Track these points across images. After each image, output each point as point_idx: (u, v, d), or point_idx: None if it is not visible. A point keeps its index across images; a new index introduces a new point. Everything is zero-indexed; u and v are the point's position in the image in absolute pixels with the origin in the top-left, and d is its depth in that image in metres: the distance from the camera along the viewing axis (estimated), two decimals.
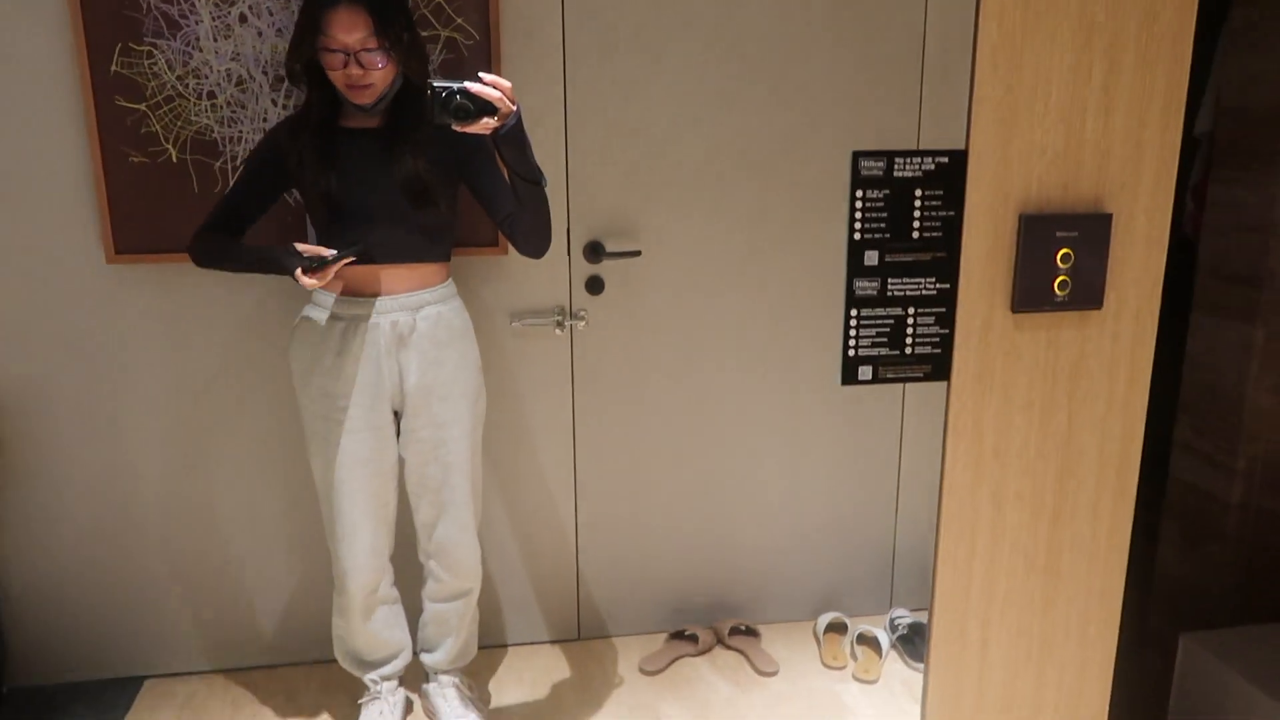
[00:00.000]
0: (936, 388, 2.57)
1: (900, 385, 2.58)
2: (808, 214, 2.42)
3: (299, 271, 1.80)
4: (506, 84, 1.71)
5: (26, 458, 2.27)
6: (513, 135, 1.75)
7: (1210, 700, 1.98)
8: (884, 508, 2.67)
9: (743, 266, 2.44)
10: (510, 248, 2.29)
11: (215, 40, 2.10)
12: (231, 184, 1.99)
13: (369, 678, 2.20)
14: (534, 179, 1.84)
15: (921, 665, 2.48)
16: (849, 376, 1.02)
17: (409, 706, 2.29)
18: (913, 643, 2.54)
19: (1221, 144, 2.45)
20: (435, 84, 1.68)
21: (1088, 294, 1.03)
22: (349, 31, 1.79)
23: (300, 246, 1.84)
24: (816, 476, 2.61)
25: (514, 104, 1.72)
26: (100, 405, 2.27)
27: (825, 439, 2.59)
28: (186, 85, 2.11)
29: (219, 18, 2.09)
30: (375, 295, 1.94)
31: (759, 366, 2.51)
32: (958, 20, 2.37)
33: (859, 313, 1.00)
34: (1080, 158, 1.00)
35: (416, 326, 1.97)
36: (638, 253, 2.37)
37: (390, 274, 1.95)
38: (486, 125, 1.71)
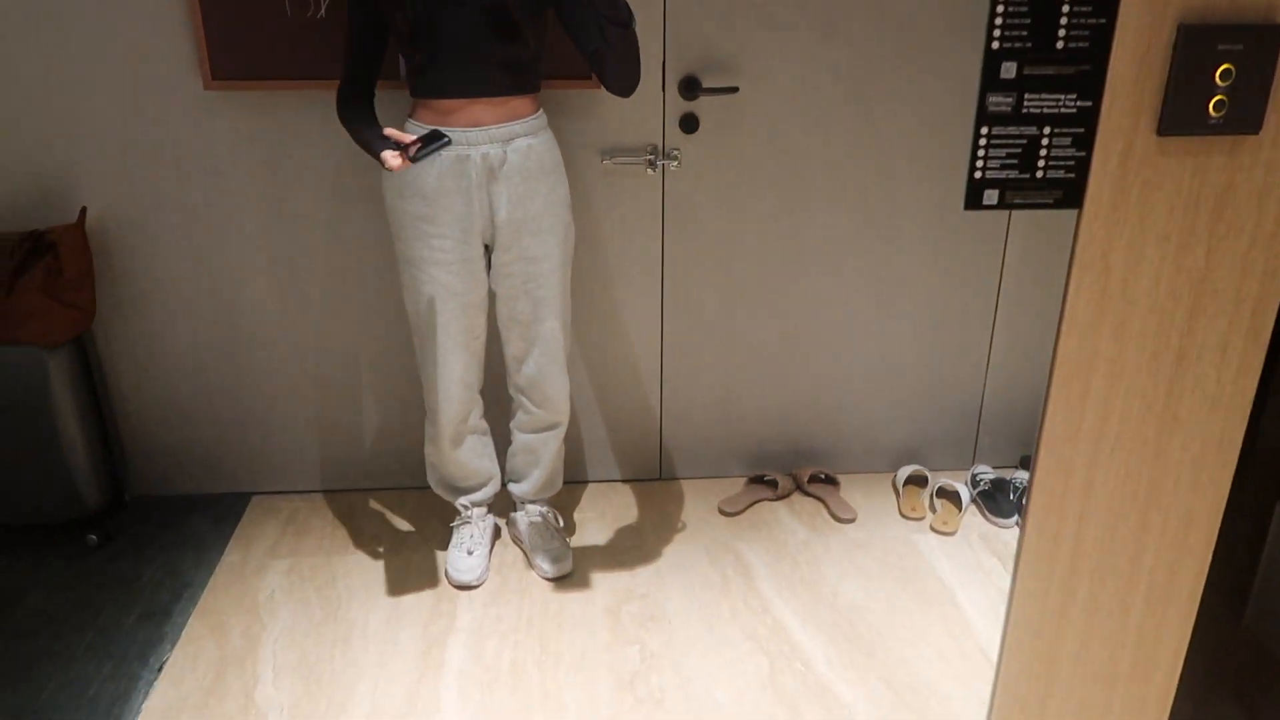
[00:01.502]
0: (1039, 243, 2.46)
1: (1003, 236, 2.47)
2: (918, 45, 2.27)
3: (385, 154, 1.77)
4: None
5: (137, 283, 2.35)
6: None
7: None
8: (974, 364, 2.61)
9: (847, 104, 2.32)
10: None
11: None
12: (348, 36, 1.94)
13: (460, 502, 2.29)
14: (622, 20, 1.75)
15: (1001, 520, 2.48)
16: (973, 200, 0.96)
17: (497, 532, 2.39)
18: (994, 498, 2.52)
19: None
20: None
21: (1246, 117, 0.94)
22: None
23: (388, 132, 1.81)
24: (907, 329, 2.55)
25: None
26: (204, 232, 2.32)
27: (919, 291, 2.51)
28: None
29: None
30: (467, 127, 1.91)
31: (857, 214, 2.42)
32: None
33: (990, 130, 0.93)
34: None
35: (507, 159, 1.94)
36: (735, 89, 2.27)
37: (479, 106, 1.90)
38: None
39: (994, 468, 2.66)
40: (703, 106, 2.30)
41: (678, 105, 2.30)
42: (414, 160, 1.75)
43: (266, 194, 2.30)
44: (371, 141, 1.84)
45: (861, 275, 2.48)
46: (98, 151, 2.24)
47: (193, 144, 2.25)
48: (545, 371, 2.13)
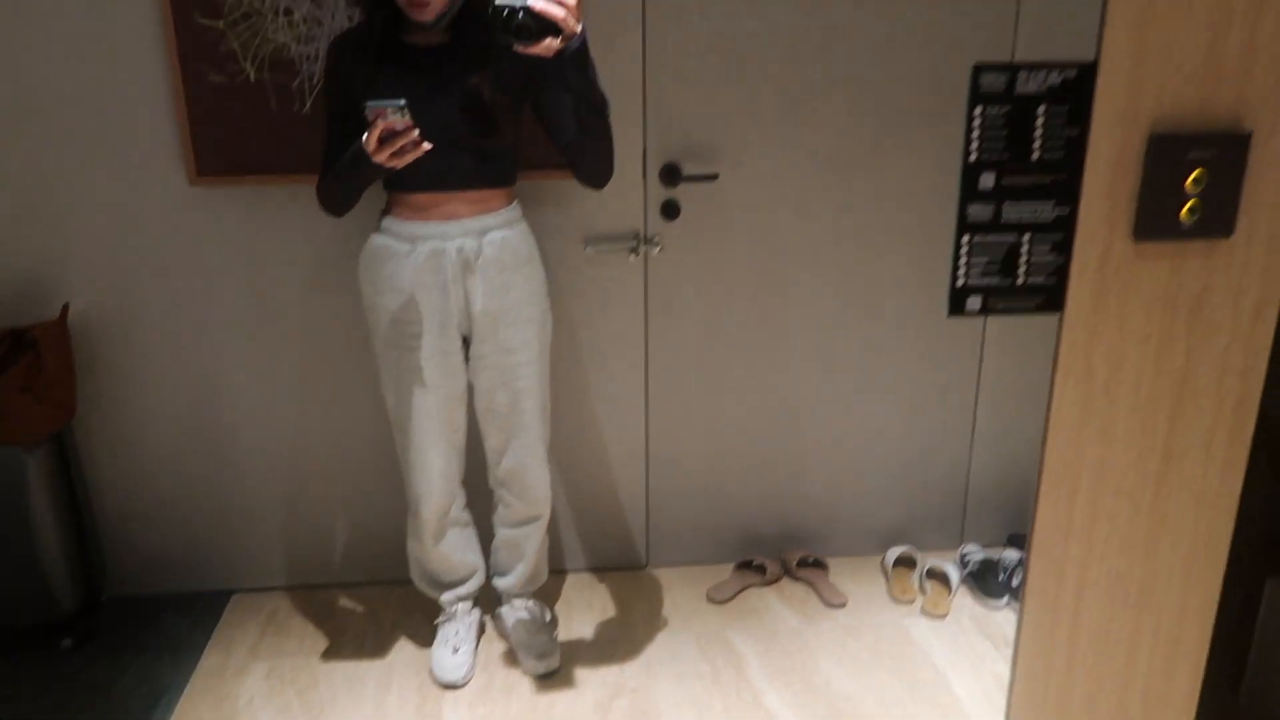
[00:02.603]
0: (1018, 321, 2.48)
1: (983, 317, 2.49)
2: (896, 134, 2.32)
3: (373, 150, 1.73)
4: (571, 1, 1.63)
5: (116, 378, 2.33)
6: (577, 58, 1.68)
7: None
8: (958, 443, 2.61)
9: (824, 192, 2.36)
10: None
11: None
12: (324, 128, 1.96)
13: (444, 598, 2.24)
14: (597, 105, 1.78)
15: (992, 601, 2.45)
16: (956, 307, 0.97)
17: (482, 627, 2.34)
18: (983, 579, 2.50)
19: None
20: (498, 2, 1.61)
21: (1218, 221, 0.96)
22: None
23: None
24: (890, 409, 2.56)
25: (579, 24, 1.65)
26: (185, 326, 2.31)
27: (900, 371, 2.52)
28: (264, 1, 2.09)
29: None
30: (441, 221, 1.92)
31: (836, 296, 2.44)
32: None
33: (971, 239, 0.94)
34: (1221, 71, 0.92)
35: (483, 251, 1.95)
36: (715, 176, 2.31)
37: (456, 200, 1.92)
38: (550, 46, 1.63)
39: (982, 546, 2.64)
40: (684, 193, 2.33)
41: (659, 192, 2.33)
42: (390, 125, 1.70)
43: (249, 287, 2.30)
44: (355, 150, 1.79)
45: (844, 358, 2.49)
46: (81, 247, 2.24)
47: (176, 238, 2.25)
48: (525, 463, 2.11)
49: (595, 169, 1.91)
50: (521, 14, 1.60)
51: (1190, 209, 0.95)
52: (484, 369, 2.04)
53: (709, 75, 2.25)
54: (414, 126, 1.71)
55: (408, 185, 1.91)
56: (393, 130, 1.71)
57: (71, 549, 2.29)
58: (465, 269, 1.95)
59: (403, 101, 1.69)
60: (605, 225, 2.33)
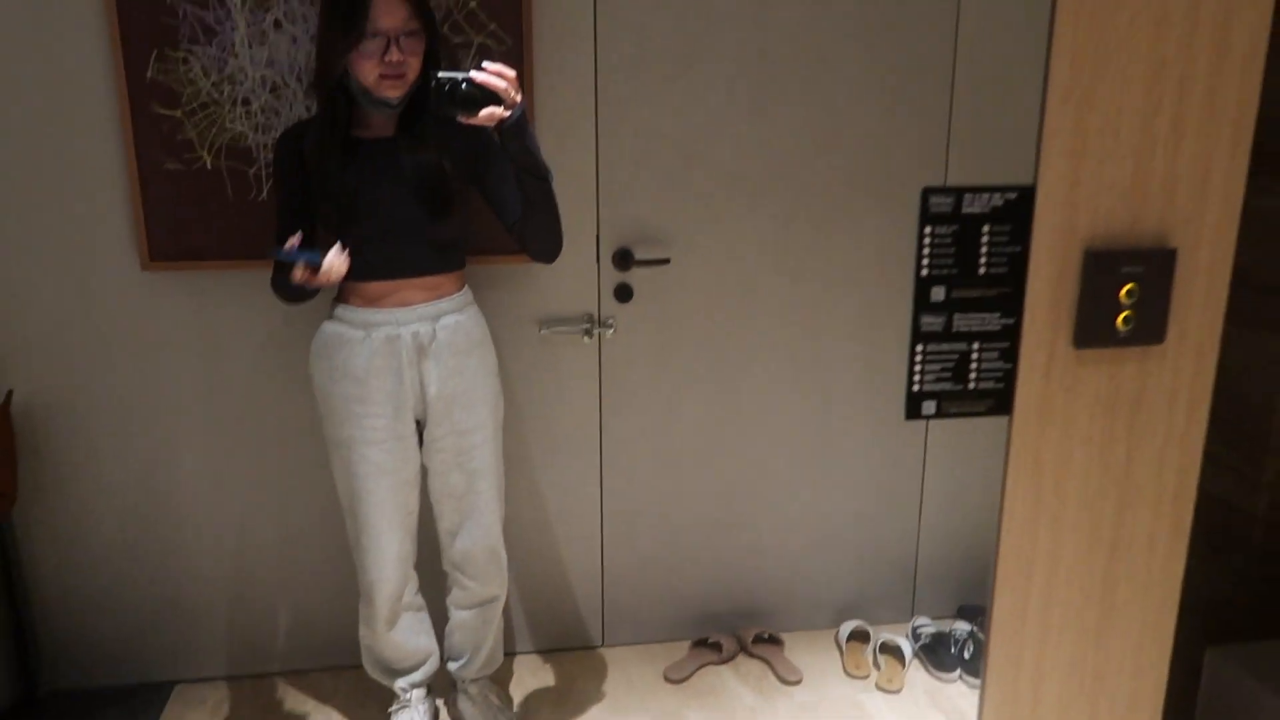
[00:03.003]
0: None
1: None
2: (835, 224, 2.42)
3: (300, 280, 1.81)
4: (511, 73, 1.70)
5: (60, 464, 2.28)
6: (518, 127, 1.74)
7: (1237, 715, 1.99)
8: (907, 517, 2.67)
9: (770, 276, 2.43)
10: None
11: (250, 46, 2.10)
12: (276, 219, 1.99)
13: (398, 685, 2.21)
14: (540, 173, 1.83)
15: (944, 675, 2.49)
16: (913, 411, 1.02)
17: (436, 714, 2.30)
18: (935, 652, 2.54)
19: (1255, 154, 2.44)
20: (440, 74, 1.67)
21: (1150, 329, 1.03)
22: (390, 14, 1.77)
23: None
24: (840, 485, 2.61)
25: (518, 94, 1.71)
26: (133, 413, 2.28)
27: (849, 450, 2.58)
28: (222, 91, 2.11)
29: (254, 24, 2.09)
30: (395, 308, 1.94)
31: (785, 376, 2.50)
32: (987, 36, 2.35)
33: (924, 348, 1.00)
34: (1147, 192, 1.00)
35: (436, 336, 1.97)
36: (667, 260, 2.37)
37: (408, 286, 1.95)
38: (492, 115, 1.70)
39: (933, 619, 2.69)
40: (636, 277, 2.39)
41: (612, 276, 2.38)
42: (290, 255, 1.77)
43: (199, 373, 2.28)
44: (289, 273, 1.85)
45: (795, 438, 2.55)
46: (28, 331, 2.20)
47: (126, 324, 2.23)
48: (480, 544, 2.10)
49: (545, 240, 1.95)
50: (464, 85, 1.67)
51: (1125, 319, 1.01)
52: (439, 451, 2.04)
53: (660, 165, 2.32)
54: (327, 267, 1.79)
55: (361, 275, 1.92)
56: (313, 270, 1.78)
57: (8, 641, 2.21)
58: (420, 354, 1.97)
59: (317, 257, 1.78)
60: (560, 308, 2.37)
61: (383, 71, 1.80)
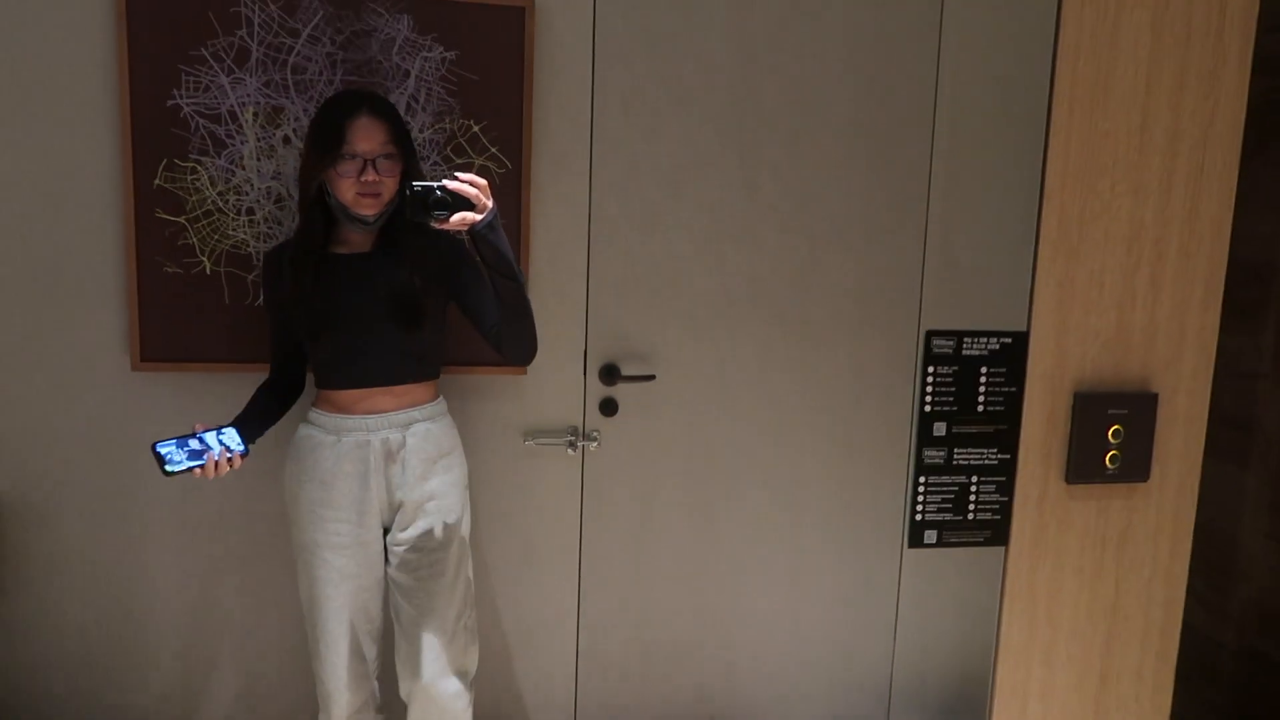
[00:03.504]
0: None
1: (901, 522, 2.62)
2: (816, 351, 2.50)
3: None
4: (482, 181, 1.78)
5: (30, 565, 2.23)
6: (490, 230, 1.80)
7: None
8: (882, 641, 2.67)
9: (753, 395, 2.49)
10: (528, 367, 2.34)
11: (259, 159, 2.17)
12: (270, 333, 2.07)
13: None
14: (512, 275, 1.88)
15: None
16: (915, 540, 1.06)
17: None
18: None
19: None
20: (414, 183, 1.75)
21: (1136, 468, 1.09)
22: (368, 139, 1.87)
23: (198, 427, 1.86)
24: (816, 607, 2.62)
25: (490, 200, 1.79)
26: (108, 514, 2.25)
27: (824, 570, 2.60)
28: (227, 201, 2.17)
29: (264, 138, 2.17)
30: (366, 414, 1.98)
31: (764, 496, 2.54)
32: (964, 176, 2.49)
33: (927, 480, 1.05)
34: (1130, 341, 1.08)
35: (406, 443, 2.00)
36: (652, 377, 2.43)
37: (382, 394, 1.99)
38: (465, 220, 1.76)
39: None
40: (622, 391, 2.44)
41: (598, 390, 2.43)
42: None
43: (184, 477, 2.26)
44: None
45: (772, 557, 2.57)
46: (11, 427, 2.18)
47: (111, 423, 2.22)
48: (436, 676, 2.03)
49: (519, 343, 1.98)
50: (439, 191, 1.75)
51: (1112, 458, 1.08)
52: (402, 560, 2.03)
53: (648, 284, 2.40)
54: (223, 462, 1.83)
55: (334, 384, 1.98)
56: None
57: None
58: (388, 459, 1.99)
59: (243, 449, 1.85)
60: (545, 419, 2.41)
61: (359, 190, 1.88)
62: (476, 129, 2.25)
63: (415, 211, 1.75)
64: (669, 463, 2.48)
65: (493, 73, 2.24)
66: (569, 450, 2.42)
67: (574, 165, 2.34)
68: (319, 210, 1.95)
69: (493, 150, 2.27)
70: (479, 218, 1.78)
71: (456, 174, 1.77)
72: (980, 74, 2.46)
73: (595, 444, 2.44)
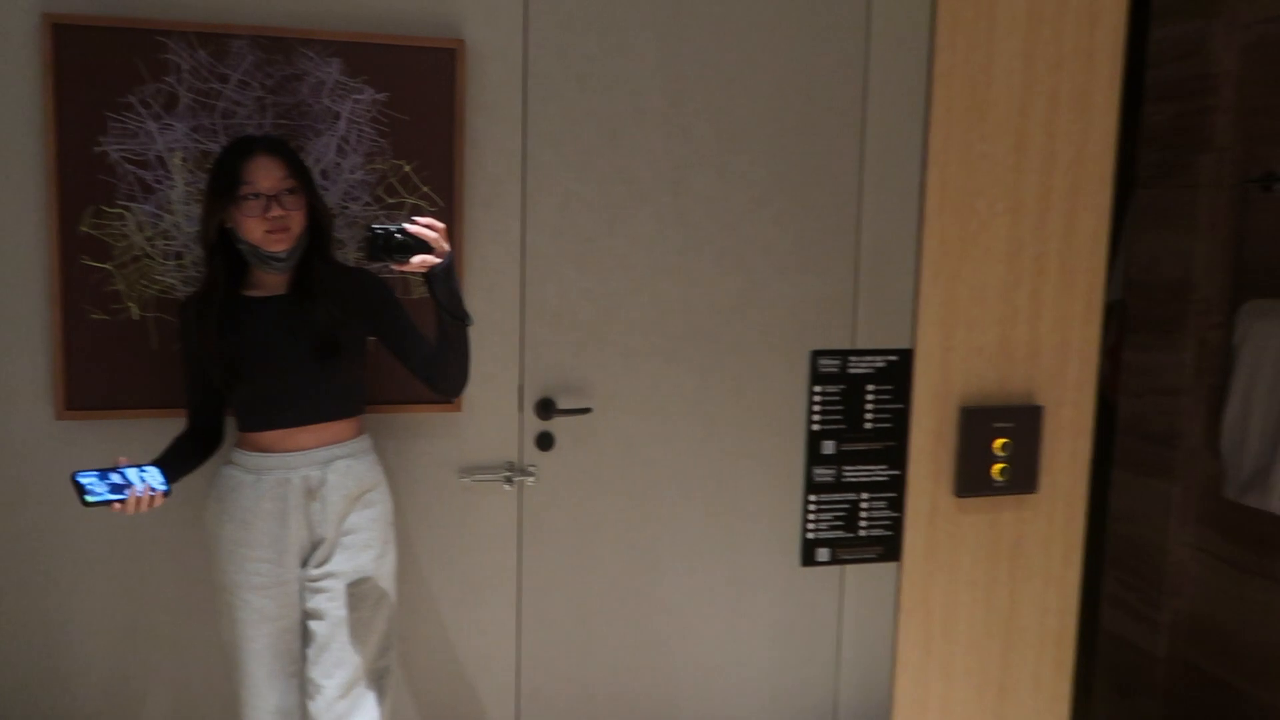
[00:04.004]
0: None
1: None
2: (749, 379, 2.52)
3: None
4: (441, 225, 1.84)
5: None
6: (447, 273, 1.87)
7: None
8: (824, 664, 2.68)
9: (690, 424, 2.52)
10: (463, 404, 2.35)
11: (187, 204, 2.17)
12: (184, 379, 2.07)
13: None
14: (463, 318, 1.94)
15: None
16: (808, 558, 1.08)
17: None
18: None
19: (1133, 313, 2.67)
20: (374, 226, 1.80)
21: (1023, 479, 1.12)
22: (268, 176, 1.90)
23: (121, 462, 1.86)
24: (757, 633, 2.62)
25: (447, 244, 1.85)
26: (34, 564, 2.21)
27: (765, 596, 2.61)
28: (155, 246, 2.17)
29: (192, 183, 2.17)
30: (286, 452, 1.98)
31: (702, 525, 2.55)
32: (888, 208, 2.56)
33: (818, 498, 1.07)
34: (1013, 355, 1.11)
35: (326, 480, 2.00)
36: (589, 410, 2.44)
37: (302, 432, 1.99)
38: (424, 263, 1.82)
39: None
40: (558, 425, 2.45)
41: (534, 424, 2.44)
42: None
43: (109, 526, 2.23)
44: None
45: (713, 587, 2.58)
46: None
47: (33, 473, 2.19)
48: (353, 708, 2.00)
49: (455, 378, 2.03)
50: (398, 234, 1.79)
51: (1000, 470, 1.11)
52: (320, 598, 2.00)
53: (583, 319, 2.43)
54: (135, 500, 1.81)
55: (256, 426, 1.99)
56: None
57: None
58: (308, 496, 1.99)
59: (165, 488, 1.84)
60: (481, 456, 2.41)
61: (268, 228, 1.91)
62: (408, 169, 2.28)
63: (374, 253, 1.80)
64: (607, 495, 2.49)
65: (424, 113, 2.27)
66: (505, 486, 2.43)
67: (507, 203, 2.36)
68: (222, 257, 1.97)
69: (425, 189, 2.29)
70: (437, 261, 1.84)
71: (415, 218, 1.81)
72: (905, 106, 2.53)
73: (532, 479, 2.44)
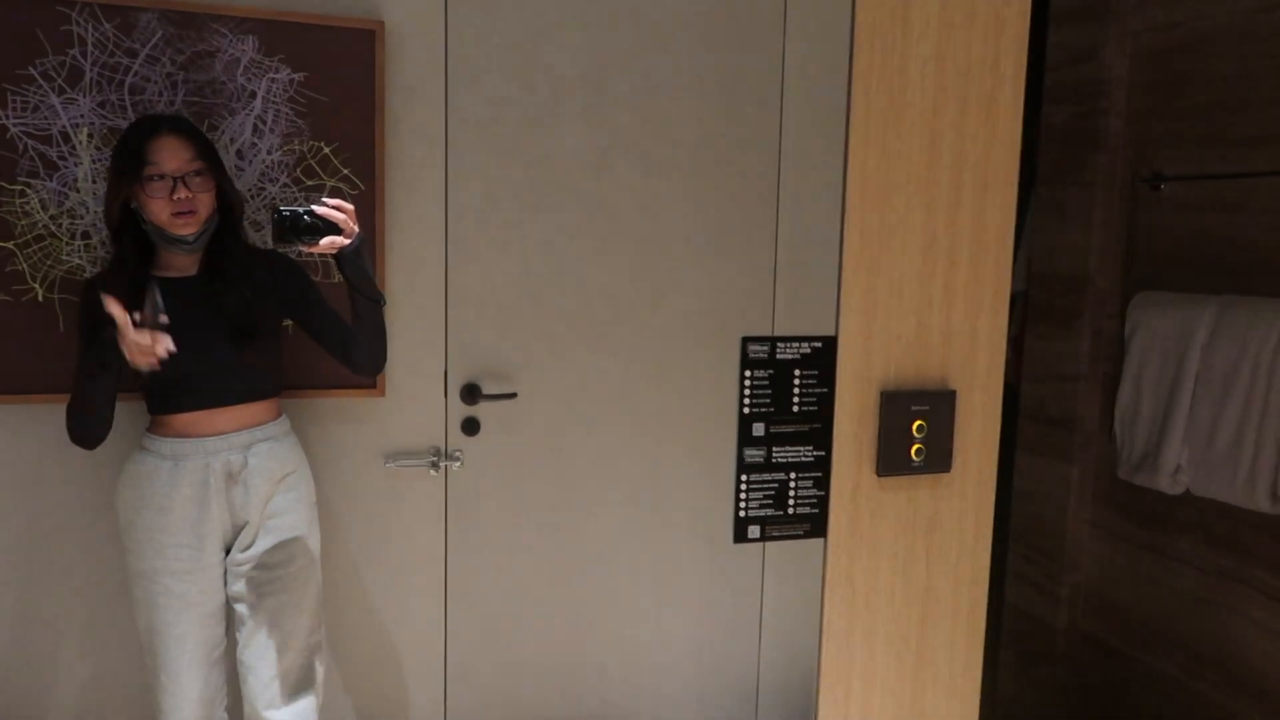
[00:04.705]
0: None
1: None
2: (671, 364, 2.57)
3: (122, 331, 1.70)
4: (350, 206, 1.85)
5: None
6: (357, 254, 1.87)
7: None
8: (747, 641, 2.76)
9: (614, 408, 2.55)
10: (387, 388, 2.33)
11: (94, 182, 2.10)
12: (78, 361, 1.95)
13: None
14: (375, 298, 1.95)
15: None
16: (740, 535, 1.13)
17: None
18: None
19: (1035, 303, 2.80)
20: (282, 208, 1.79)
21: (939, 459, 1.19)
22: (174, 157, 1.87)
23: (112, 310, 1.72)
24: (681, 612, 2.68)
25: (356, 225, 1.86)
26: None
27: (688, 575, 2.67)
28: (60, 225, 2.09)
29: (99, 160, 2.10)
30: (204, 436, 1.95)
31: (627, 508, 2.59)
32: (806, 196, 2.62)
33: (748, 478, 1.11)
34: (929, 343, 1.17)
35: (248, 464, 1.98)
36: (514, 395, 2.45)
37: (220, 415, 1.97)
38: (333, 244, 1.82)
39: None
40: (484, 411, 2.45)
41: (460, 410, 2.43)
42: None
43: (14, 512, 2.15)
44: (100, 344, 1.77)
45: (638, 568, 2.62)
46: None
47: None
48: (278, 709, 2.01)
49: (372, 358, 2.04)
50: (307, 216, 1.80)
51: (916, 450, 1.17)
52: (242, 581, 1.99)
53: (506, 304, 2.43)
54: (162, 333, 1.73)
55: (169, 409, 1.95)
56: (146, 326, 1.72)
57: None
58: (229, 481, 1.97)
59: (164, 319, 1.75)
60: (406, 441, 2.40)
61: (173, 210, 1.87)
62: (328, 150, 2.24)
63: (283, 235, 1.78)
64: (533, 479, 2.51)
65: (343, 94, 2.24)
66: (431, 471, 2.42)
67: (429, 186, 2.35)
68: (130, 236, 1.92)
69: (345, 172, 2.26)
70: (347, 242, 1.84)
71: (324, 199, 1.80)
72: (822, 100, 2.60)
73: (459, 464, 2.44)
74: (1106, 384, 2.65)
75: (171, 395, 1.93)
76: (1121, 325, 2.59)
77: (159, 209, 1.87)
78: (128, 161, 1.86)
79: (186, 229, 1.90)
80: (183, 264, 1.97)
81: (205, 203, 1.92)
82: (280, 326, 2.06)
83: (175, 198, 1.86)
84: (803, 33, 2.58)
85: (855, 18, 1.09)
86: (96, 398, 1.88)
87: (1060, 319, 2.71)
